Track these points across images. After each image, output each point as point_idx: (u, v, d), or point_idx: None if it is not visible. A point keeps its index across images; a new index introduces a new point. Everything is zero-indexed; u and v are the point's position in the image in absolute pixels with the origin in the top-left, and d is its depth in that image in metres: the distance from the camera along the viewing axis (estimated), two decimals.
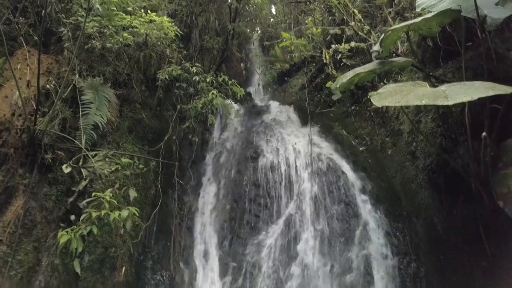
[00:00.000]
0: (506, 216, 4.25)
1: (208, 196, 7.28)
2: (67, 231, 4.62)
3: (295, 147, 7.57)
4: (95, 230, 4.68)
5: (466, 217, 4.94)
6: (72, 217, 5.12)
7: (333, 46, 7.29)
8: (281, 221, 6.72)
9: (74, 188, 5.53)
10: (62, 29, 6.33)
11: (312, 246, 6.05)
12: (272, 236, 6.59)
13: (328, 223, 6.21)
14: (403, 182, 5.66)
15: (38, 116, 5.34)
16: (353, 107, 7.85)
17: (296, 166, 7.20)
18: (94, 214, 4.71)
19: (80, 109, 5.82)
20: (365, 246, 5.54)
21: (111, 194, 4.89)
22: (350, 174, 6.56)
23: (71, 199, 5.23)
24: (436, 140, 5.18)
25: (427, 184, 5.18)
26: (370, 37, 6.74)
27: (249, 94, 11.02)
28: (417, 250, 5.08)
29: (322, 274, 5.60)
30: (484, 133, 4.08)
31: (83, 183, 5.34)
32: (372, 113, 7.34)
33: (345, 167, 6.73)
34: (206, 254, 6.63)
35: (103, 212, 4.71)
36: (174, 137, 7.33)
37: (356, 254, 5.45)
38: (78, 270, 4.91)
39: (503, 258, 4.46)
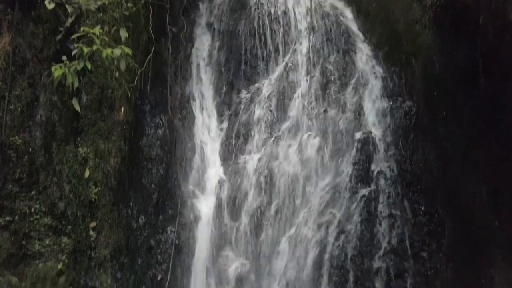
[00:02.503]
0: (508, 53, 4.19)
1: (203, 46, 7.06)
2: (60, 66, 4.55)
3: None
4: (88, 66, 4.58)
5: (466, 58, 4.90)
6: (64, 58, 5.00)
7: None
8: (277, 71, 6.66)
9: (61, 28, 5.29)
10: None
11: (307, 92, 6.12)
12: (268, 85, 6.61)
13: (324, 70, 6.18)
14: (407, 24, 5.45)
15: None
16: None
17: (295, 14, 6.83)
18: (85, 50, 4.56)
19: None
20: (360, 90, 5.61)
21: (100, 30, 4.67)
22: (351, 21, 6.27)
23: (59, 37, 5.02)
24: None
25: (431, 24, 5.00)
26: None
27: None
28: (412, 91, 5.16)
29: (316, 116, 5.80)
30: None
31: (70, 20, 5.06)
32: None
33: (347, 13, 6.39)
34: (202, 102, 6.74)
35: (94, 47, 4.56)
36: None
37: (350, 98, 5.55)
38: (77, 107, 4.98)
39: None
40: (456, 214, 4.06)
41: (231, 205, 5.98)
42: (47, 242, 4.34)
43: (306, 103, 6.10)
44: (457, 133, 4.28)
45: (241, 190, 6.07)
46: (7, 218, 4.26)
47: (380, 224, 4.49)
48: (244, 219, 5.79)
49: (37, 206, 4.39)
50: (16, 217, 4.28)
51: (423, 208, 4.35)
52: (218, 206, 5.95)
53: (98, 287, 4.37)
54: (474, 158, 4.03)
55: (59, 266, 4.27)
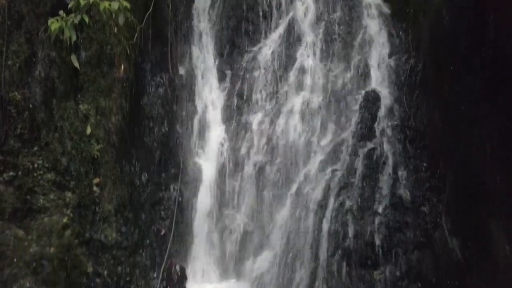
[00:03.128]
0: None
1: (204, 3, 6.86)
2: (57, 19, 4.44)
3: None
4: (86, 19, 4.49)
5: (474, 12, 4.72)
6: (61, 12, 4.88)
7: None
8: (280, 28, 6.50)
9: None
10: None
11: (312, 51, 5.99)
12: (270, 43, 6.47)
13: (328, 27, 6.01)
14: None
15: None
16: None
17: None
18: (82, 2, 4.45)
19: None
20: (365, 47, 5.48)
21: None
22: None
23: None
24: None
25: None
26: None
27: None
28: (418, 47, 5.04)
29: (320, 74, 5.70)
30: None
31: None
32: None
33: None
34: (204, 62, 6.63)
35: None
36: None
37: (355, 55, 5.43)
38: (76, 64, 4.91)
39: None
40: (458, 170, 4.06)
41: (233, 164, 6.01)
42: (52, 197, 4.38)
43: (309, 61, 5.98)
44: (463, 89, 4.20)
45: (243, 149, 6.08)
46: (11, 173, 4.28)
47: (381, 180, 4.51)
48: (246, 178, 5.84)
49: (40, 161, 4.41)
50: (19, 173, 4.30)
51: (425, 164, 4.35)
52: (220, 166, 5.99)
53: (103, 240, 4.46)
54: (479, 113, 3.97)
55: (64, 220, 4.34)
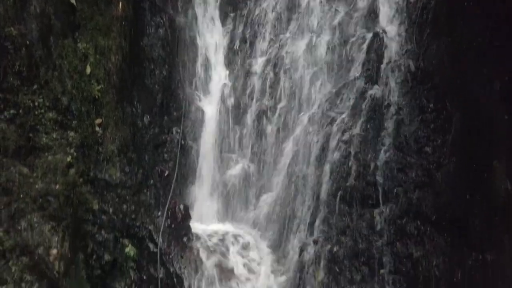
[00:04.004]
0: None
1: None
2: None
3: None
4: None
5: None
6: None
7: None
8: None
9: None
10: None
11: None
12: None
13: None
14: None
15: None
16: None
17: None
18: None
19: None
20: None
21: None
22: None
23: None
24: None
25: None
26: None
27: None
28: None
29: (326, 15, 5.46)
30: None
31: None
32: None
33: None
34: (205, 2, 6.36)
35: None
36: None
37: None
38: (72, 0, 4.73)
39: None
40: (466, 110, 3.98)
41: (235, 108, 5.95)
42: (54, 136, 4.37)
43: (315, 2, 5.72)
44: (474, 27, 4.02)
45: (246, 93, 6.00)
46: (12, 111, 4.23)
47: (386, 121, 4.46)
48: (249, 122, 5.80)
49: (41, 100, 4.35)
50: (20, 111, 4.25)
51: (431, 105, 4.26)
52: (223, 110, 5.94)
53: (107, 179, 4.51)
54: (490, 53, 3.83)
55: (68, 158, 4.35)
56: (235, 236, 4.89)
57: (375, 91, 4.65)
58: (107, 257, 4.33)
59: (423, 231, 3.94)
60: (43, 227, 4.04)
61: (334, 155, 4.51)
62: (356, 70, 4.96)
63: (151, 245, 4.51)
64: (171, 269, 4.42)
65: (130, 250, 4.43)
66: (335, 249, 4.18)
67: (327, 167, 4.52)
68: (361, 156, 4.41)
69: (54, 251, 3.98)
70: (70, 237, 4.12)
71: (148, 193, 4.76)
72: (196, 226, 5.04)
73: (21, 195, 4.08)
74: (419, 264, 3.87)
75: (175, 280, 4.39)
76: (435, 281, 3.77)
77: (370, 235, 4.11)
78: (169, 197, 4.84)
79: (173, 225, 4.71)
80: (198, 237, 4.78)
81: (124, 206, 4.59)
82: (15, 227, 3.95)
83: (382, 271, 3.96)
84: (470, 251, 3.70)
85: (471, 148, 3.87)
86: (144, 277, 4.36)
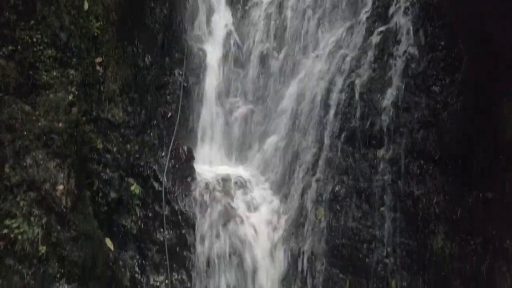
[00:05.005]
0: None
1: None
2: None
3: None
4: None
5: None
6: None
7: None
8: None
9: None
10: None
11: None
12: None
13: None
14: None
15: None
16: None
17: None
18: None
19: None
20: None
21: None
22: None
23: None
24: None
25: None
26: None
27: None
28: None
29: None
30: None
31: None
32: None
33: None
34: None
35: None
36: None
37: None
38: None
39: None
40: (479, 49, 3.84)
41: (238, 51, 5.81)
42: (55, 73, 4.29)
43: None
44: None
45: (250, 36, 5.82)
46: (10, 47, 4.13)
47: (394, 60, 4.33)
48: (253, 66, 5.68)
49: (39, 36, 4.22)
50: (19, 47, 4.15)
51: (442, 43, 4.10)
52: (226, 53, 5.79)
53: (110, 118, 4.49)
54: None
55: (70, 97, 4.30)
56: (238, 177, 4.95)
57: (384, 29, 4.47)
58: (113, 194, 4.42)
59: (425, 170, 3.95)
60: (48, 164, 4.09)
61: (340, 96, 4.43)
62: (365, 9, 4.75)
63: (156, 184, 4.58)
64: (176, 207, 4.52)
65: (135, 188, 4.51)
66: (336, 188, 4.23)
67: (332, 108, 4.46)
68: (367, 97, 4.33)
69: (61, 187, 4.05)
70: (76, 174, 4.18)
71: (151, 133, 4.76)
72: (199, 167, 5.09)
73: (25, 132, 4.09)
74: (419, 202, 3.92)
75: (179, 217, 4.50)
76: (435, 218, 3.83)
77: (372, 174, 4.13)
78: (172, 138, 4.85)
79: (177, 166, 4.76)
80: (201, 178, 4.84)
81: (128, 146, 4.61)
82: (21, 164, 3.99)
83: (382, 208, 4.02)
84: (471, 190, 3.73)
85: (480, 87, 3.78)
86: (150, 214, 4.47)
